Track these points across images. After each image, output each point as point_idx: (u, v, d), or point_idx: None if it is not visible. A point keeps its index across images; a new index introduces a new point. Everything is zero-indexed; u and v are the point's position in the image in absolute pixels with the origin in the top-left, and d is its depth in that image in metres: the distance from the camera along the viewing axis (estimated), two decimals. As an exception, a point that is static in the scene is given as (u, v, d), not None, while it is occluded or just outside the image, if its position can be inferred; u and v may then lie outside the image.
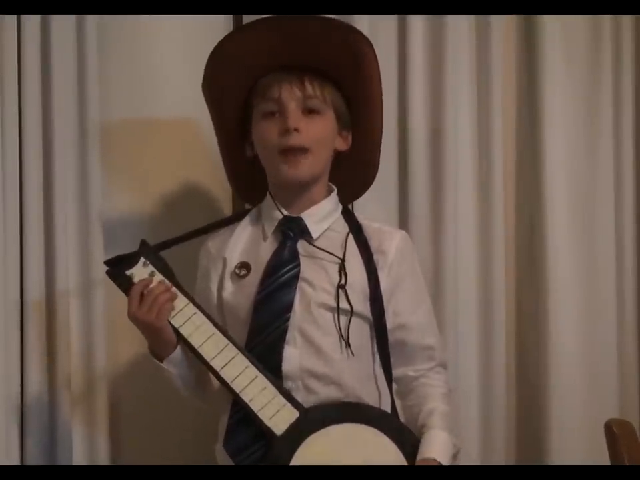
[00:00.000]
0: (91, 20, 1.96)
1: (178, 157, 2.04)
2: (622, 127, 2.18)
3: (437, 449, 1.58)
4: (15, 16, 1.90)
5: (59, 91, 1.94)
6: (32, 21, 1.91)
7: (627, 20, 2.17)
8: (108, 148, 2.00)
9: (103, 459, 1.98)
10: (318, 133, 1.63)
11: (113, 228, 2.00)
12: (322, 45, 1.63)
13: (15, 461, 1.91)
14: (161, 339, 1.61)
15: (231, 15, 2.07)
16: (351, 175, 1.74)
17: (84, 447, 1.96)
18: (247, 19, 2.03)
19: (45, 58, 1.93)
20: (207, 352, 1.58)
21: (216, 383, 1.67)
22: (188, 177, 2.05)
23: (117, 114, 2.01)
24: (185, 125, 2.03)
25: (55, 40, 1.93)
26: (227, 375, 1.57)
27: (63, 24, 1.93)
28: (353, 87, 1.68)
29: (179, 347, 1.62)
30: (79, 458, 1.95)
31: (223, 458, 1.64)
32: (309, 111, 1.64)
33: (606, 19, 2.17)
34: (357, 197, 1.83)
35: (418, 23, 2.09)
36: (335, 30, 1.66)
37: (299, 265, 1.63)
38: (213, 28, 2.03)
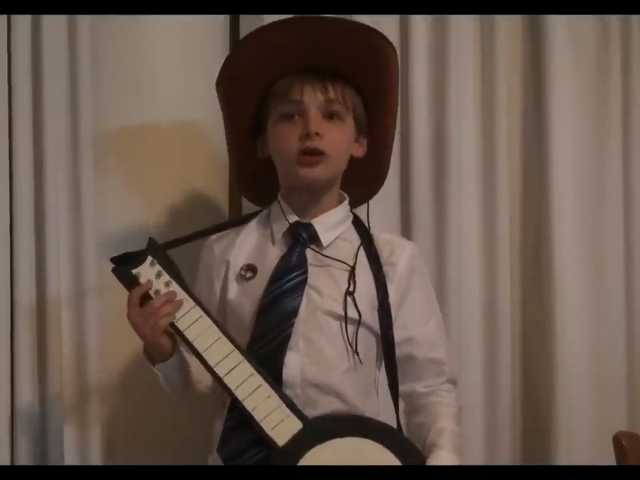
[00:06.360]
0: (84, 20, 1.93)
1: (173, 160, 2.01)
2: (631, 129, 2.15)
3: None
4: (5, 16, 1.88)
5: (50, 93, 1.91)
6: (23, 21, 1.89)
7: (635, 20, 2.14)
8: (101, 152, 1.98)
9: (95, 468, 1.95)
10: (337, 140, 1.61)
11: (106, 233, 1.97)
12: (344, 46, 1.60)
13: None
14: (154, 349, 1.58)
15: (228, 16, 2.06)
16: (362, 177, 1.71)
17: (76, 456, 1.94)
18: (244, 19, 2.04)
19: (36, 60, 1.90)
20: (211, 357, 1.53)
21: (205, 390, 1.67)
22: (183, 181, 2.02)
23: (110, 117, 1.98)
24: (180, 128, 2.00)
25: (46, 41, 1.90)
26: (230, 381, 1.52)
27: (54, 24, 1.91)
28: (374, 91, 1.66)
29: (173, 356, 1.58)
30: (70, 468, 1.92)
31: (216, 468, 1.61)
32: (330, 116, 1.61)
33: (614, 19, 2.14)
34: (366, 200, 1.78)
35: (420, 24, 2.06)
36: (357, 31, 1.63)
37: (306, 271, 1.60)
38: (209, 28, 2.03)
